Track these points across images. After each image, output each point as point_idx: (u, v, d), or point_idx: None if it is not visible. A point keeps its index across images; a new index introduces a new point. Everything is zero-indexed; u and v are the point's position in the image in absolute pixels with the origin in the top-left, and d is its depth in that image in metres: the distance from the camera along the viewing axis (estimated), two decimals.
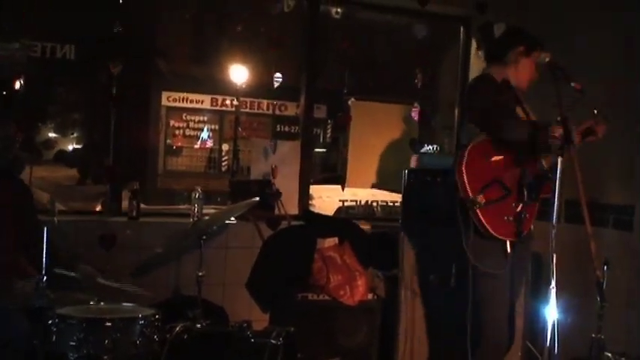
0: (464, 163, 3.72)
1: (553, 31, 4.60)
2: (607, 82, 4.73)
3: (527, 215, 3.78)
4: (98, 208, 5.39)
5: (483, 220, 3.68)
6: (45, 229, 3.06)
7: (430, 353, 4.64)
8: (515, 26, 4.32)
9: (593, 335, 3.39)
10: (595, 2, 5.15)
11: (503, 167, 3.76)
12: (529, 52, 3.94)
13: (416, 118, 6.44)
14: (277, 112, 17.03)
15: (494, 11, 5.70)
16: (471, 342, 3.82)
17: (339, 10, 5.99)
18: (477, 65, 6.01)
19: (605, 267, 3.39)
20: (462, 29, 6.24)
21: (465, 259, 3.79)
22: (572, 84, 3.46)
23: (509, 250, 3.77)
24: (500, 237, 3.74)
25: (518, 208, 3.75)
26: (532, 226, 3.96)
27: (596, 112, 3.79)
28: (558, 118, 3.26)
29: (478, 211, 3.66)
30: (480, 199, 3.65)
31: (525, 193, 3.75)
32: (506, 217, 3.73)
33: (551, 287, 3.06)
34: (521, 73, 3.97)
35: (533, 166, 3.78)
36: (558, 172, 3.16)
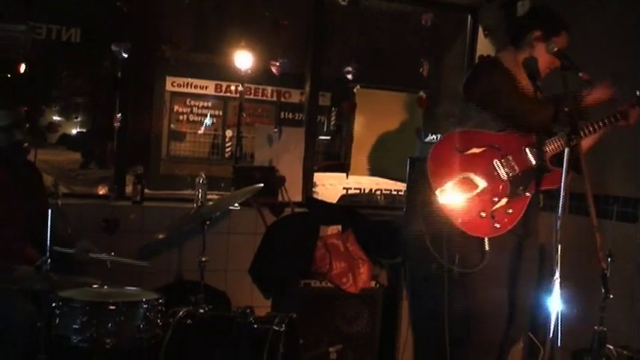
0: (429, 156, 3.61)
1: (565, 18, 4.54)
2: (616, 71, 4.71)
3: (511, 210, 3.62)
4: (102, 192, 5.39)
5: (450, 216, 3.56)
6: (49, 212, 3.07)
7: (419, 344, 4.62)
8: (539, 6, 4.09)
9: (596, 327, 3.38)
10: None
11: (480, 160, 3.62)
12: (548, 37, 3.70)
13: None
14: (281, 99, 17.03)
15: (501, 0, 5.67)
16: (460, 334, 3.78)
17: None
18: (482, 51, 5.99)
19: (609, 259, 3.38)
20: (469, 18, 6.21)
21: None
22: (580, 74, 3.38)
23: (487, 247, 3.59)
24: (471, 234, 3.59)
25: (500, 203, 3.60)
26: (537, 221, 3.89)
27: (639, 93, 3.61)
28: (566, 109, 3.23)
29: (442, 206, 3.55)
30: (442, 192, 3.55)
31: (510, 187, 3.62)
32: (480, 213, 3.58)
33: (554, 279, 3.04)
34: (546, 57, 3.68)
35: (523, 156, 3.66)
36: (565, 163, 3.13)
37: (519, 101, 3.63)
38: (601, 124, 3.65)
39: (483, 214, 3.59)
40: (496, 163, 3.64)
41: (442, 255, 3.71)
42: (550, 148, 3.67)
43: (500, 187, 3.63)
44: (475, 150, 3.64)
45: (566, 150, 3.11)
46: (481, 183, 3.60)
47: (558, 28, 3.74)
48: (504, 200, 3.62)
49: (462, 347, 3.80)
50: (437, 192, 3.55)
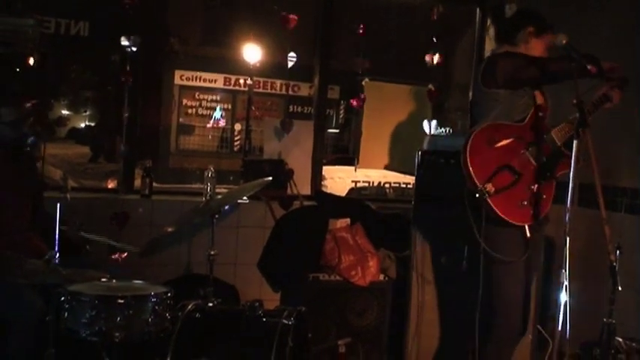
0: (467, 153, 3.64)
1: (566, 11, 4.54)
2: (620, 63, 4.69)
3: (545, 196, 3.71)
4: (111, 186, 5.40)
5: (496, 209, 3.60)
6: (57, 206, 3.08)
7: (441, 337, 4.64)
8: (526, 7, 4.27)
9: (605, 320, 3.37)
10: None
11: (511, 151, 3.69)
12: (539, 33, 3.88)
13: None
14: (290, 92, 17.02)
15: None
16: (480, 329, 3.81)
17: None
18: (490, 47, 5.97)
19: (618, 251, 3.37)
20: (477, 10, 6.19)
21: (477, 243, 3.75)
22: (589, 67, 3.40)
23: (528, 234, 3.68)
24: (517, 223, 3.65)
25: (534, 190, 3.69)
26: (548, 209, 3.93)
27: (612, 76, 3.70)
28: (574, 101, 3.22)
29: (489, 200, 3.59)
30: (489, 188, 3.57)
31: (540, 172, 3.69)
32: (520, 202, 3.66)
33: (563, 271, 3.04)
34: (530, 54, 3.87)
35: (543, 144, 3.73)
36: (573, 155, 3.13)
37: (542, 63, 3.75)
38: (591, 107, 3.68)
39: (525, 203, 3.66)
40: (525, 151, 3.71)
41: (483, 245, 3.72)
42: (560, 133, 3.74)
43: (533, 174, 3.71)
44: (505, 141, 3.71)
45: (575, 142, 3.12)
46: (518, 172, 3.67)
47: (546, 24, 3.90)
48: (536, 187, 3.70)
49: (487, 338, 3.82)
50: (481, 187, 3.58)
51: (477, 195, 3.58)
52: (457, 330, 4.08)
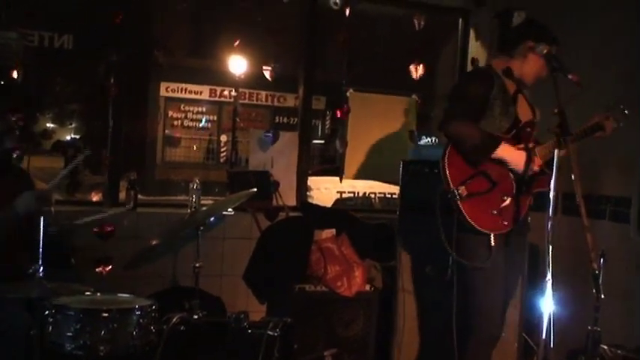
0: (447, 154, 3.69)
1: (552, 22, 4.57)
2: (607, 72, 4.73)
3: (517, 209, 3.73)
4: (95, 199, 5.39)
5: (466, 214, 3.63)
6: (42, 219, 3.07)
7: (423, 344, 4.64)
8: (533, 19, 4.22)
9: (590, 327, 3.39)
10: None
11: (493, 160, 3.71)
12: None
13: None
14: (276, 103, 17.02)
15: (491, 4, 5.71)
16: (458, 335, 3.83)
17: (337, 1, 5.96)
18: (474, 54, 6.03)
19: (602, 259, 3.39)
20: (460, 21, 6.23)
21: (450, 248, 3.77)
22: (570, 76, 3.41)
23: (493, 243, 3.68)
24: (484, 230, 3.67)
25: (507, 202, 3.71)
26: (529, 219, 3.96)
27: (611, 106, 3.77)
28: (555, 111, 3.25)
29: (460, 203, 3.62)
30: (462, 190, 3.61)
31: (515, 185, 3.73)
32: (491, 210, 3.68)
33: (547, 279, 3.05)
34: (526, 67, 3.86)
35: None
36: (555, 163, 3.16)
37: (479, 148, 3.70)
38: (582, 132, 3.74)
39: (494, 212, 3.69)
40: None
41: (454, 250, 3.76)
42: (543, 152, 3.75)
43: (509, 185, 3.74)
44: None
45: (556, 151, 3.15)
46: (494, 181, 3.70)
47: (550, 40, 3.80)
48: (510, 199, 3.73)
49: (466, 342, 3.83)
50: (454, 189, 3.62)
51: (449, 196, 3.61)
52: (441, 337, 4.09)
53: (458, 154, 3.70)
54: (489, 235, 3.68)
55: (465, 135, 3.70)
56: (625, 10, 4.84)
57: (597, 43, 4.97)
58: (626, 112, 3.83)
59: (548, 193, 3.18)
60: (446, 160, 3.68)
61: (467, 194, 3.62)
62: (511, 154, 3.72)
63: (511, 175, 3.74)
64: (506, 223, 3.71)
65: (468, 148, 3.68)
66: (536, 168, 3.73)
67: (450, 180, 3.65)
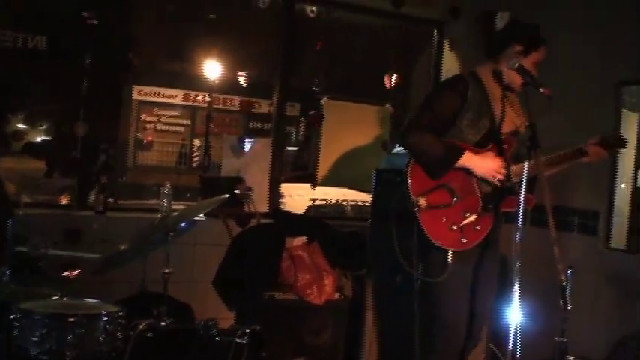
0: (411, 164, 3.64)
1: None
2: (580, 86, 4.79)
3: (479, 227, 3.65)
4: (64, 202, 5.34)
5: (423, 226, 3.57)
6: (9, 221, 3.03)
7: (385, 355, 4.63)
8: (519, 20, 4.09)
9: (557, 338, 3.42)
10: (570, 6, 5.17)
11: (457, 174, 3.64)
12: (527, 52, 3.67)
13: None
14: (250, 109, 16.99)
15: (467, 16, 5.75)
16: (422, 346, 3.81)
17: (314, 9, 5.98)
18: (448, 65, 6.07)
19: (570, 271, 3.42)
20: (435, 32, 6.28)
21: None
22: (542, 89, 3.40)
23: (450, 259, 3.60)
24: (440, 245, 3.60)
25: (470, 219, 3.63)
26: (499, 231, 3.92)
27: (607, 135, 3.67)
28: (527, 124, 3.27)
29: (419, 215, 3.56)
30: (422, 202, 3.55)
31: (481, 204, 3.66)
32: (450, 225, 3.60)
33: (514, 290, 3.07)
34: (512, 73, 3.62)
35: None
36: (524, 175, 3.17)
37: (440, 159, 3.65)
38: (563, 156, 3.64)
39: (454, 227, 3.61)
40: (472, 178, 3.68)
41: (411, 264, 3.72)
42: (519, 171, 3.59)
43: (473, 202, 3.67)
44: None
45: (526, 163, 3.16)
46: (457, 196, 3.63)
47: (538, 41, 3.72)
48: (474, 217, 3.64)
49: (428, 355, 3.82)
50: (414, 199, 3.56)
51: (409, 207, 3.57)
52: (405, 347, 4.07)
53: None
54: (447, 251, 3.61)
55: (424, 146, 3.63)
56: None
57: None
58: (622, 139, 3.72)
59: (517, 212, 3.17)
60: (409, 170, 3.63)
61: (426, 206, 3.56)
62: (475, 163, 3.63)
63: (478, 192, 3.67)
64: (465, 240, 3.62)
65: (429, 159, 3.60)
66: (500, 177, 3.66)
67: (410, 190, 3.59)
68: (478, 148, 3.70)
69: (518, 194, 3.52)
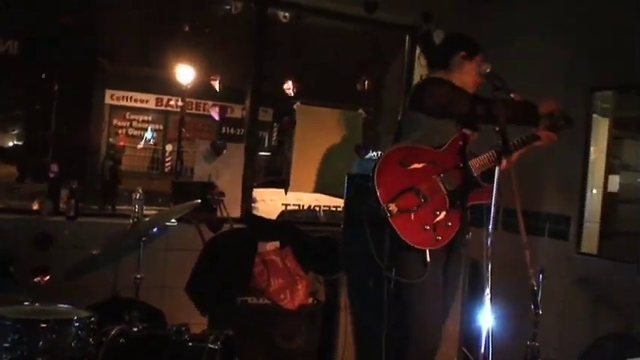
0: (377, 170, 3.67)
1: (496, 40, 4.66)
2: (551, 92, 4.83)
3: (450, 223, 3.72)
4: (36, 207, 5.29)
5: (398, 230, 3.62)
6: None
7: (361, 357, 4.64)
8: (454, 32, 4.32)
9: (528, 342, 3.44)
10: (541, 12, 5.24)
11: (422, 175, 3.71)
12: (471, 56, 3.94)
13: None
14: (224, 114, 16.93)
15: (439, 21, 5.79)
16: (396, 348, 3.83)
17: (286, 14, 5.98)
18: (420, 72, 6.10)
19: (541, 275, 3.46)
20: (407, 37, 6.31)
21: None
22: (512, 95, 3.48)
23: (428, 259, 3.67)
24: (416, 246, 3.66)
25: (440, 216, 3.70)
26: (469, 234, 4.00)
27: (554, 116, 3.80)
28: (497, 129, 3.29)
29: (391, 220, 3.61)
30: (392, 207, 3.59)
31: (448, 201, 3.73)
32: (423, 226, 3.67)
33: (485, 294, 3.09)
34: (465, 77, 3.91)
35: (457, 172, 3.77)
36: (495, 180, 3.20)
37: (474, 103, 3.77)
38: (517, 143, 3.76)
39: (427, 227, 3.67)
40: (436, 177, 3.73)
41: (386, 267, 3.76)
42: (478, 164, 3.77)
43: (441, 200, 3.73)
44: (417, 165, 3.73)
45: (497, 169, 3.18)
46: (425, 196, 3.68)
47: (477, 47, 3.97)
48: (444, 213, 3.71)
49: (404, 355, 3.84)
50: (384, 206, 3.60)
51: (381, 213, 3.60)
52: (380, 350, 4.09)
53: (390, 168, 3.69)
54: (425, 251, 3.68)
55: (454, 93, 3.80)
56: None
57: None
58: (570, 118, 3.85)
59: (485, 207, 3.22)
60: (376, 176, 3.66)
61: (397, 210, 3.61)
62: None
63: (444, 190, 3.73)
64: (439, 237, 3.69)
65: (465, 101, 3.76)
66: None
67: (379, 196, 3.63)
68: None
69: (482, 187, 3.66)
